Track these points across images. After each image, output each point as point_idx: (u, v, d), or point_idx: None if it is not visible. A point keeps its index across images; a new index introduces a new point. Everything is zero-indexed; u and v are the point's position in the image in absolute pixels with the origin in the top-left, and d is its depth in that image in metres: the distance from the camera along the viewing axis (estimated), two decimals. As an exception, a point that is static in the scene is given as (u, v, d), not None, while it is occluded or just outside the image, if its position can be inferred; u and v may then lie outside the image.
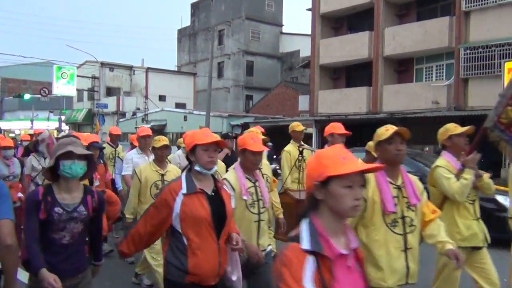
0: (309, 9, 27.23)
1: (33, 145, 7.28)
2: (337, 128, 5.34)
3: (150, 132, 6.44)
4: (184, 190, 2.75)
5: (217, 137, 2.83)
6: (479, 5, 19.17)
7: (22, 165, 6.91)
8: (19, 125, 42.10)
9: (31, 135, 11.01)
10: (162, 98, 38.95)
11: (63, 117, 34.81)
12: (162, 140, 4.98)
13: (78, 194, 2.89)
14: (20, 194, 6.56)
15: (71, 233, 2.82)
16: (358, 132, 24.81)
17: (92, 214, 2.92)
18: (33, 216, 2.73)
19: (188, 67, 44.86)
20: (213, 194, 2.84)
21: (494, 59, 18.57)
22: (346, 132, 5.33)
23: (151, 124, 32.85)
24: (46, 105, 37.55)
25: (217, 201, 2.83)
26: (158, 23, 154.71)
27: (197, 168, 2.79)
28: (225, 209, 2.86)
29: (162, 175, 4.92)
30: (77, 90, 34.53)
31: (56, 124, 32.35)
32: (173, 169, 5.15)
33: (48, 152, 4.53)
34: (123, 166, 6.48)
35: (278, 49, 41.27)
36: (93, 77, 37.66)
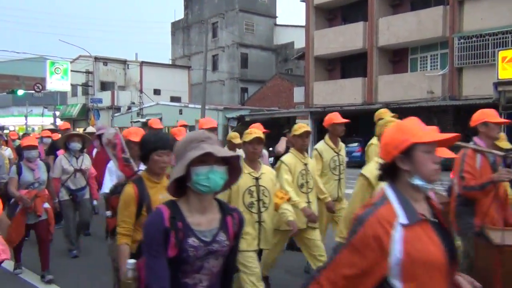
0: (303, 0, 27.16)
1: (63, 142, 6.43)
2: (336, 118, 5.32)
3: (215, 124, 5.94)
4: (403, 219, 1.70)
5: (437, 130, 1.82)
6: (472, -6, 19.20)
7: (48, 168, 5.77)
8: (13, 121, 41.92)
9: (52, 130, 10.17)
10: (156, 92, 38.81)
11: (57, 113, 34.67)
12: (254, 133, 3.93)
13: (215, 215, 2.00)
14: (46, 205, 5.50)
15: (209, 274, 1.97)
16: (354, 122, 24.96)
17: (232, 243, 2.04)
18: (161, 253, 1.86)
19: (183, 60, 44.69)
20: (436, 220, 1.80)
21: (488, 48, 18.64)
22: (345, 120, 5.36)
23: (146, 118, 32.77)
24: (40, 101, 37.35)
25: (443, 231, 1.80)
26: (152, 16, 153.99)
27: (416, 181, 1.75)
28: (453, 242, 1.89)
29: (257, 178, 3.95)
30: (71, 85, 34.37)
31: (51, 120, 32.21)
32: (268, 171, 4.11)
33: (116, 158, 3.61)
34: None
35: (273, 41, 41.16)
36: (87, 72, 37.46)
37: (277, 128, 25.30)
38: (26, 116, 36.74)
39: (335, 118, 5.31)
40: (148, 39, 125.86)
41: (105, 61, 39.04)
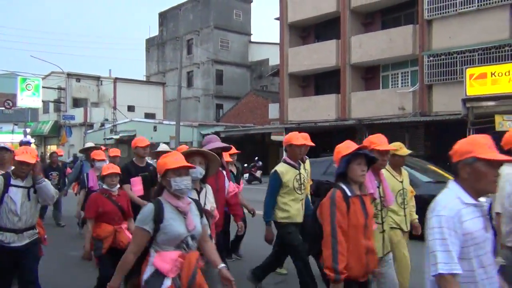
0: (277, 18, 27.53)
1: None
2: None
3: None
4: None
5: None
6: (440, 13, 19.83)
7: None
8: (-18, 139, 40.77)
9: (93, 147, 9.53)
10: (131, 108, 38.44)
11: (28, 130, 33.86)
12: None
13: None
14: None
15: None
16: (328, 138, 25.27)
17: None
18: None
19: (157, 76, 44.51)
20: None
21: (456, 66, 19.21)
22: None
23: (120, 135, 32.37)
24: (10, 118, 36.37)
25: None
26: (126, 33, 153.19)
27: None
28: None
29: (401, 182, 4.46)
30: (43, 101, 33.73)
31: (21, 137, 31.44)
32: (406, 175, 4.59)
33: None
34: None
35: (247, 58, 41.47)
36: (59, 88, 36.87)
37: (253, 144, 25.44)
38: (-5, 133, 35.73)
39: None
40: (122, 56, 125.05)
41: (78, 77, 38.53)
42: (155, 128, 30.46)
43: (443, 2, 19.70)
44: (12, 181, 4.05)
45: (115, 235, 4.58)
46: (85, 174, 6.89)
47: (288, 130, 24.00)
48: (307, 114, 24.75)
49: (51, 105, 38.96)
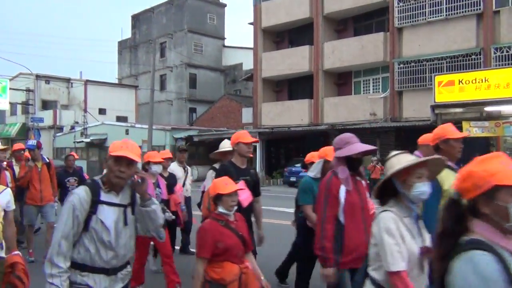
0: (251, 23, 27.64)
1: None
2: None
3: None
4: None
5: None
6: (410, 22, 20.31)
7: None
8: None
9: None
10: (102, 111, 37.79)
11: (-6, 132, 32.90)
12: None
13: None
14: None
15: None
16: (301, 143, 25.48)
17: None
18: None
19: (130, 79, 43.97)
20: None
21: (426, 73, 19.71)
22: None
23: (91, 138, 31.79)
24: (-24, 120, 35.42)
25: None
26: (98, 35, 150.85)
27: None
28: None
29: None
30: (10, 103, 32.79)
31: (-13, 140, 30.50)
32: None
33: None
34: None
35: (221, 62, 41.44)
36: (28, 90, 35.95)
37: (226, 148, 25.31)
38: (-41, 136, 34.55)
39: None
40: (94, 58, 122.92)
41: (48, 79, 37.68)
42: (127, 132, 30.04)
43: (413, 11, 20.19)
44: (103, 196, 2.59)
45: (240, 279, 3.34)
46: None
47: (261, 135, 24.11)
48: (280, 119, 24.89)
49: (19, 107, 37.95)
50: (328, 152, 4.29)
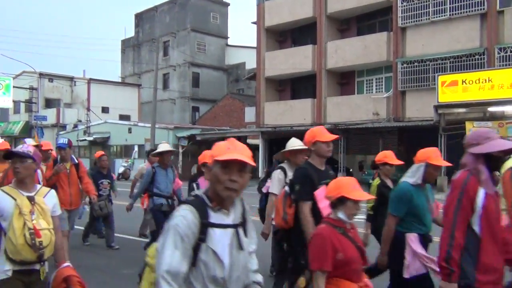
0: (254, 22, 27.64)
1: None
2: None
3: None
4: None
5: None
6: (414, 21, 20.27)
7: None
8: (-52, 139, 39.47)
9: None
10: (105, 110, 37.89)
11: (-2, 130, 33.01)
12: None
13: None
14: None
15: None
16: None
17: None
18: None
19: (133, 78, 44.02)
20: None
21: (429, 73, 19.66)
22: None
23: (94, 136, 31.88)
24: (-21, 118, 35.55)
25: None
26: (101, 33, 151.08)
27: None
28: None
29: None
30: (14, 101, 32.92)
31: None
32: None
33: None
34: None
35: (224, 61, 41.44)
36: (31, 88, 36.06)
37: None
38: (-38, 134, 34.67)
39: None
40: (97, 56, 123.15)
41: (51, 77, 37.79)
42: (129, 130, 30.10)
43: (416, 11, 20.15)
44: (212, 216, 1.92)
45: None
46: (194, 185, 5.34)
47: (264, 134, 24.13)
48: (283, 118, 24.88)
49: (22, 105, 38.09)
50: (431, 154, 3.69)
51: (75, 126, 35.06)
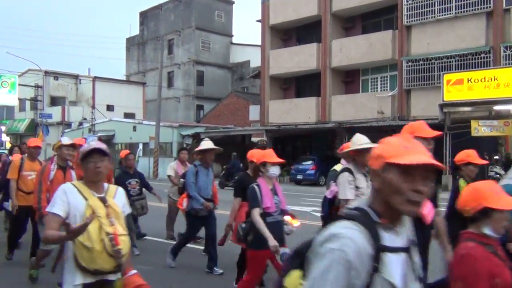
0: (258, 21, 27.61)
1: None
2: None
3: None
4: None
5: None
6: (419, 20, 20.19)
7: None
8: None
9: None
10: (110, 108, 38.01)
11: (3, 128, 33.20)
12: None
13: None
14: None
15: None
16: (308, 141, 25.44)
17: None
18: None
19: (137, 76, 44.12)
20: None
21: (434, 71, 19.59)
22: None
23: (99, 134, 31.96)
24: (-15, 115, 35.74)
25: None
26: (106, 31, 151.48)
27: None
28: None
29: None
30: (19, 99, 33.07)
31: (-4, 135, 30.79)
32: None
33: None
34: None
35: (229, 59, 41.45)
36: (37, 86, 36.20)
37: (232, 146, 25.53)
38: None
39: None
40: (102, 54, 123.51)
41: (56, 75, 37.94)
42: (134, 128, 30.17)
43: (421, 9, 20.07)
44: (386, 238, 1.42)
45: None
46: (255, 187, 4.36)
47: (268, 132, 24.12)
48: (287, 116, 24.87)
49: (28, 103, 38.25)
50: None
51: (80, 124, 35.19)
